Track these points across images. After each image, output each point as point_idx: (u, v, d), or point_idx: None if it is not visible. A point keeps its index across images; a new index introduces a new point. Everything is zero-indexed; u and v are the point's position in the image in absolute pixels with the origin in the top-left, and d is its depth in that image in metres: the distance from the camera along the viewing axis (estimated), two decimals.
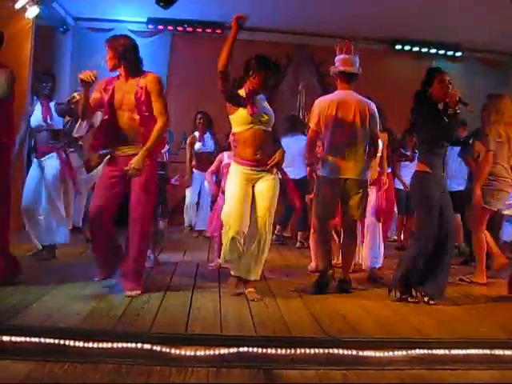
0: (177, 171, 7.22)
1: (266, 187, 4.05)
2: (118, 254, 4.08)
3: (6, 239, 4.12)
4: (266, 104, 4.10)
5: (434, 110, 4.11)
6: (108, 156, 4.10)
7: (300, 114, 9.04)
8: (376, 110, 4.52)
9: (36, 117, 5.09)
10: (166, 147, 5.32)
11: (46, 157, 5.12)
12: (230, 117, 4.06)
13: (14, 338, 2.82)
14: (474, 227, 5.20)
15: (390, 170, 5.74)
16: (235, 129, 4.09)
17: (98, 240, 4.05)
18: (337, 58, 4.71)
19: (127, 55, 3.94)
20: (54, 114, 5.14)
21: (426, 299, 4.10)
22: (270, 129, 4.06)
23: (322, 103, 4.46)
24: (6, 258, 4.07)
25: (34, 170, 5.16)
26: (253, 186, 4.07)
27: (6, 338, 2.81)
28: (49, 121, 5.06)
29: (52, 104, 5.17)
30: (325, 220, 4.49)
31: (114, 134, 3.99)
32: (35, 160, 5.19)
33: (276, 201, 4.11)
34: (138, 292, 3.93)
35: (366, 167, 4.51)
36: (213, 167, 5.35)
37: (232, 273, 4.20)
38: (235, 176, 4.06)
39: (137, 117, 3.94)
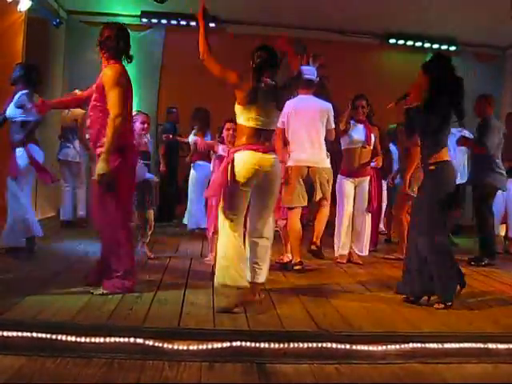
0: None
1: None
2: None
3: None
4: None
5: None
6: None
7: None
8: (332, 110, 5.36)
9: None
10: (148, 137, 5.31)
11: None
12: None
13: (5, 333, 2.82)
14: (397, 211, 5.93)
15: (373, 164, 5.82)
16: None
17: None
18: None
19: (106, 44, 3.89)
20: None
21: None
22: None
23: (288, 105, 4.82)
24: None
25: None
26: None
27: None
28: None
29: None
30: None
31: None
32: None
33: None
34: (99, 292, 3.78)
35: (326, 156, 5.30)
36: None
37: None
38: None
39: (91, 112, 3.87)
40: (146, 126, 5.29)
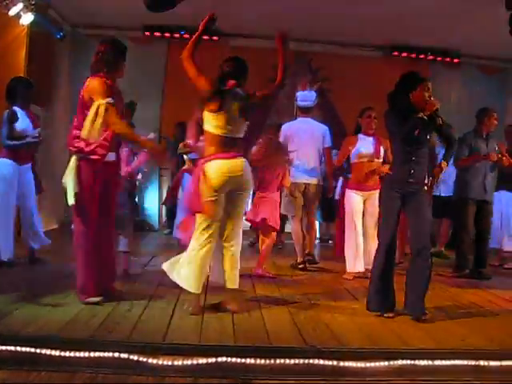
0: None
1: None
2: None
3: None
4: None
5: (408, 115, 3.99)
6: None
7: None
8: (328, 131, 6.17)
9: (24, 123, 5.03)
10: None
11: (26, 165, 5.14)
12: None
13: None
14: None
15: None
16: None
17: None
18: (297, 94, 6.49)
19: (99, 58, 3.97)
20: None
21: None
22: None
23: (287, 127, 6.19)
24: None
25: (15, 175, 5.09)
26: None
27: None
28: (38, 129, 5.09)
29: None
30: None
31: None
32: (15, 165, 5.06)
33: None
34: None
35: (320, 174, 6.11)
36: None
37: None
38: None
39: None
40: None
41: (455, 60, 9.06)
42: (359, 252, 5.50)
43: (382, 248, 4.00)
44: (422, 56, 8.99)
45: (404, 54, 8.96)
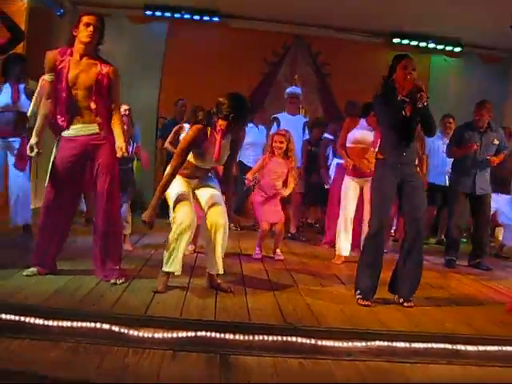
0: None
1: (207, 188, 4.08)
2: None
3: None
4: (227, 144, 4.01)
5: (393, 98, 3.96)
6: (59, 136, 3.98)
7: None
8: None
9: (4, 97, 5.14)
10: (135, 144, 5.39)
11: (11, 139, 5.17)
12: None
13: None
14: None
15: None
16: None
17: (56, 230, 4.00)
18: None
19: (102, 35, 3.89)
20: (23, 97, 5.20)
21: (400, 300, 4.01)
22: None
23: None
24: None
25: None
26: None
27: None
28: (17, 103, 5.14)
29: (21, 86, 5.23)
30: None
31: (72, 112, 3.88)
32: None
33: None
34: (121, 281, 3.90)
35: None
36: (170, 138, 6.07)
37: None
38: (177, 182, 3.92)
39: (93, 97, 3.84)
40: None
41: (456, 49, 9.01)
42: (348, 237, 5.56)
43: (371, 234, 3.99)
44: (422, 44, 8.94)
45: (405, 42, 8.90)
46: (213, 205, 3.92)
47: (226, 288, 3.93)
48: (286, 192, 5.54)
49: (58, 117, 3.88)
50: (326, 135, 6.99)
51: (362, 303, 3.89)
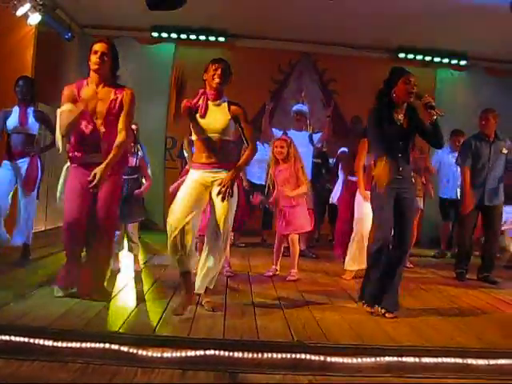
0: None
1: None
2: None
3: None
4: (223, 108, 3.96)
5: (391, 112, 4.02)
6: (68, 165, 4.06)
7: None
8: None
9: (13, 120, 5.20)
10: (140, 154, 5.40)
11: (20, 161, 5.23)
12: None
13: None
14: None
15: None
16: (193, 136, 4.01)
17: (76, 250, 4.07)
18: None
19: (115, 61, 3.97)
20: (31, 119, 5.26)
21: (383, 311, 4.02)
22: (228, 138, 3.97)
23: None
24: None
25: (5, 172, 5.25)
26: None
27: None
28: (25, 125, 5.20)
29: (30, 109, 5.29)
30: None
31: (85, 142, 3.96)
32: (7, 162, 5.26)
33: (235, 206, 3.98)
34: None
35: None
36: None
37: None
38: (189, 179, 3.97)
39: (103, 127, 3.91)
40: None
41: (462, 62, 9.03)
42: (362, 254, 5.51)
43: (376, 249, 4.02)
44: (428, 58, 8.97)
45: (410, 56, 8.94)
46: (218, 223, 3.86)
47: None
48: (296, 192, 5.45)
49: (73, 146, 3.97)
50: (343, 149, 6.95)
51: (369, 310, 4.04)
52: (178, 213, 3.77)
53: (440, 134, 4.06)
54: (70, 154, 4.01)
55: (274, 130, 7.16)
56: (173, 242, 3.75)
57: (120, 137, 3.92)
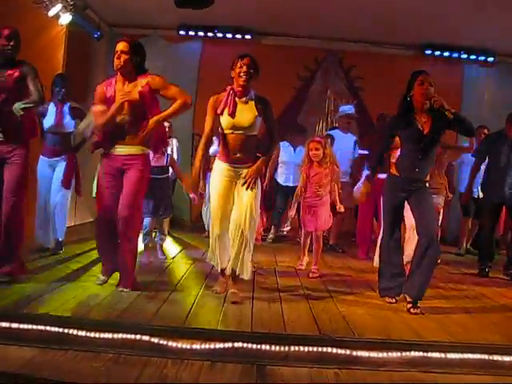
0: None
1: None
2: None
3: (21, 240, 4.23)
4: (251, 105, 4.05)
5: (410, 116, 4.07)
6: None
7: (328, 119, 9.12)
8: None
9: (49, 119, 5.32)
10: (170, 152, 5.54)
11: (55, 159, 5.36)
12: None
13: (21, 326, 2.99)
14: None
15: None
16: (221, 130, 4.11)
17: (107, 239, 4.19)
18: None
19: (136, 56, 4.05)
20: (68, 117, 5.38)
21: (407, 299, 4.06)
22: (253, 133, 4.05)
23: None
24: (18, 260, 4.19)
25: (44, 169, 5.39)
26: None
27: (14, 325, 3.00)
28: (61, 125, 5.33)
29: (66, 106, 5.41)
30: None
31: (114, 133, 4.07)
32: (44, 159, 5.40)
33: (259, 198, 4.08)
34: (127, 289, 4.02)
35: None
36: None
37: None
38: (217, 177, 4.10)
39: (127, 116, 4.02)
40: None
41: (489, 59, 8.92)
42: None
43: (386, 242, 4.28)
44: (455, 55, 8.88)
45: (437, 53, 8.86)
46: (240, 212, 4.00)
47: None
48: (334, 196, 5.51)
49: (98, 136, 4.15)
50: (360, 151, 6.98)
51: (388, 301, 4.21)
52: (219, 214, 4.03)
53: (466, 120, 4.05)
54: (96, 142, 4.21)
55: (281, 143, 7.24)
56: (215, 241, 4.07)
57: (182, 99, 3.99)
